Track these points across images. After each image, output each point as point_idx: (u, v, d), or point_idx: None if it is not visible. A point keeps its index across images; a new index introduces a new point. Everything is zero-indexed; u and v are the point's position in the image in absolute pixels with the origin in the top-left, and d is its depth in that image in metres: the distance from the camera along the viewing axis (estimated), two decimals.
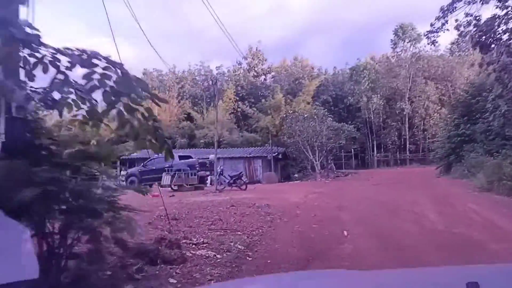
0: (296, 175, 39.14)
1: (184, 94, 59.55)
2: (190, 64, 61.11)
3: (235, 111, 52.09)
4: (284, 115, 33.13)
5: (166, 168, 22.50)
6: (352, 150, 48.80)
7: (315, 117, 31.56)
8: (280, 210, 11.90)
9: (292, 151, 33.80)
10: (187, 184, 20.03)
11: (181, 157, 27.56)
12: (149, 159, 27.06)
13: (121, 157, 36.23)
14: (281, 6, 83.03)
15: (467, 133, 24.76)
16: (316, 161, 31.40)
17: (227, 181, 19.97)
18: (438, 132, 47.54)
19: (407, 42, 48.55)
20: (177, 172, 19.75)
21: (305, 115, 31.95)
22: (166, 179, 19.65)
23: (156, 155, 31.99)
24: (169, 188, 20.40)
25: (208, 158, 30.21)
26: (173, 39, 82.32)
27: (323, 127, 31.65)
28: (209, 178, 27.22)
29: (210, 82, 62.58)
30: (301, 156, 33.50)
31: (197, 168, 24.07)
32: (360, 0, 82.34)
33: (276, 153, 33.23)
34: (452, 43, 48.66)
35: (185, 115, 54.52)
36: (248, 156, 31.33)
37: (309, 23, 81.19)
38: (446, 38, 71.57)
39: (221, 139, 46.04)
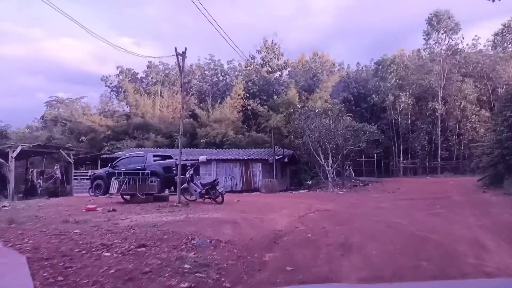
0: (309, 182, 33.65)
1: (191, 89, 54.88)
2: (200, 58, 56.16)
3: (243, 108, 46.88)
4: (292, 110, 27.63)
5: (137, 170, 17.44)
6: (375, 155, 42.80)
7: (330, 113, 25.91)
8: (230, 256, 6.49)
9: (302, 154, 28.24)
10: (142, 193, 14.83)
11: (163, 157, 22.51)
12: (118, 159, 22.11)
13: (101, 156, 31.59)
14: (307, 8, 78.38)
15: None
16: (328, 166, 25.74)
17: (198, 191, 14.66)
18: (475, 136, 41.11)
19: (442, 33, 42.16)
20: (128, 177, 14.59)
21: (317, 110, 26.30)
22: (113, 186, 14.54)
23: (128, 153, 27.10)
24: (123, 198, 15.28)
25: (198, 160, 25.02)
26: (191, 37, 78.44)
27: (338, 126, 25.98)
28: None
29: (220, 77, 58.44)
30: (311, 160, 27.92)
31: (174, 172, 18.88)
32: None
33: (281, 156, 27.75)
34: (496, 34, 42.35)
35: (190, 112, 49.68)
36: (245, 158, 25.98)
37: (334, 24, 75.81)
38: (486, 31, 64.53)
39: (224, 139, 41.04)
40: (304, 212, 12.62)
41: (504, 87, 41.35)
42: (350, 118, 35.15)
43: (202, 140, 40.54)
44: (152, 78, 57.48)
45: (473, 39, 45.01)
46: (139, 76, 59.34)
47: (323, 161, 25.76)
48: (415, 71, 45.41)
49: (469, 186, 26.40)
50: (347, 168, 36.00)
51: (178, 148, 37.10)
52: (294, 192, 24.65)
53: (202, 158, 25.02)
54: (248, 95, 47.44)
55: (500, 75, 41.34)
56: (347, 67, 55.87)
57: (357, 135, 32.60)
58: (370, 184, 30.13)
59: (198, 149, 36.35)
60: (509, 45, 40.70)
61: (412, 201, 16.80)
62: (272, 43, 56.19)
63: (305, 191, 24.53)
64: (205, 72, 59.26)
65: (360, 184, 30.83)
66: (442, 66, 42.68)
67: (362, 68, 56.46)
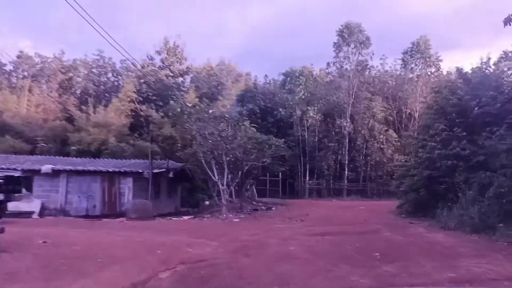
0: (207, 203, 27.75)
1: (72, 87, 46.02)
2: (87, 53, 47.43)
3: (134, 113, 39.63)
4: (179, 110, 21.69)
5: None
6: (280, 173, 38.46)
7: (227, 117, 20.39)
8: None
9: (193, 168, 22.29)
10: None
11: None
12: None
13: None
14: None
15: (467, 154, 15.13)
16: (223, 184, 20.14)
17: None
18: (382, 158, 39.08)
19: (353, 48, 39.94)
20: None
21: (211, 111, 20.64)
22: None
23: None
24: None
25: (40, 170, 17.62)
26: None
27: (238, 133, 20.63)
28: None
29: (112, 77, 50.43)
30: (205, 175, 22.10)
31: None
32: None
33: (164, 170, 21.47)
34: (405, 53, 41.47)
35: (67, 113, 40.78)
36: (109, 171, 19.15)
37: (249, 43, 72.56)
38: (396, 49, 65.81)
39: (102, 147, 33.45)
40: (151, 273, 6.61)
41: (410, 110, 40.43)
42: (254, 130, 30.28)
43: (73, 148, 32.43)
44: (22, 71, 47.13)
45: (381, 58, 43.82)
46: (7, 68, 48.36)
47: (216, 178, 20.07)
48: (324, 86, 42.65)
49: (385, 213, 22.77)
50: (248, 187, 30.84)
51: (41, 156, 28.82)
52: (174, 218, 18.45)
53: (46, 168, 17.68)
54: (141, 99, 40.46)
55: (407, 96, 40.15)
56: (255, 78, 51.79)
57: (261, 148, 27.68)
58: (274, 208, 25.18)
59: (69, 157, 28.32)
60: (416, 66, 39.78)
61: (331, 237, 11.75)
62: (174, 45, 50.08)
63: (190, 217, 18.46)
64: (93, 70, 50.39)
65: (263, 207, 25.73)
66: (351, 82, 40.36)
67: (270, 81, 52.82)
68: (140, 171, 19.49)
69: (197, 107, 20.80)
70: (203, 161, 19.90)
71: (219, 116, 19.75)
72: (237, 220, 17.57)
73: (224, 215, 18.96)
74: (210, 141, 19.78)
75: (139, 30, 70.02)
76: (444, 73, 40.90)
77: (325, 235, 12.18)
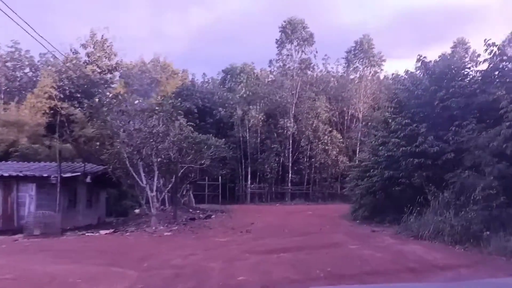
0: (137, 211, 24.11)
1: None
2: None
3: (53, 112, 34.74)
4: (98, 99, 18.03)
5: None
6: (220, 177, 35.52)
7: (157, 110, 17.00)
8: None
9: (117, 171, 18.64)
10: None
11: None
12: None
13: None
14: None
15: (435, 152, 13.25)
16: (152, 190, 16.81)
17: None
18: (327, 160, 37.52)
19: (296, 45, 38.17)
20: None
21: (136, 102, 17.18)
22: None
23: None
24: None
25: None
26: None
27: (171, 129, 17.40)
28: None
29: (29, 72, 44.54)
30: (129, 180, 18.56)
31: None
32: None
33: (80, 174, 17.67)
34: (348, 51, 40.47)
35: None
36: (5, 176, 15.01)
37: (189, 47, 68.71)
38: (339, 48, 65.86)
39: (11, 149, 28.52)
40: None
41: (353, 111, 39.46)
42: (191, 128, 27.11)
43: None
44: None
45: (323, 58, 42.51)
46: None
47: (144, 183, 16.69)
48: (267, 84, 40.50)
49: (337, 218, 20.76)
50: (184, 192, 27.59)
51: None
52: (89, 233, 14.78)
53: None
54: (62, 96, 35.54)
55: (351, 96, 39.10)
56: (192, 76, 48.39)
57: (199, 149, 24.66)
58: (213, 216, 22.17)
59: None
60: (360, 66, 38.90)
61: (290, 255, 9.07)
62: (102, 38, 45.25)
63: (109, 231, 14.88)
64: (7, 64, 44.05)
65: (201, 215, 22.60)
66: (295, 81, 38.57)
67: (209, 80, 49.73)
68: (45, 175, 15.54)
69: (120, 97, 17.28)
70: (127, 162, 16.42)
71: (148, 109, 16.43)
72: (169, 233, 14.37)
73: (153, 228, 15.67)
74: (136, 138, 16.39)
75: (68, 30, 63.68)
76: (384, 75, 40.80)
77: (281, 252, 9.48)
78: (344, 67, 40.62)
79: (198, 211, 24.70)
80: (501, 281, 2.90)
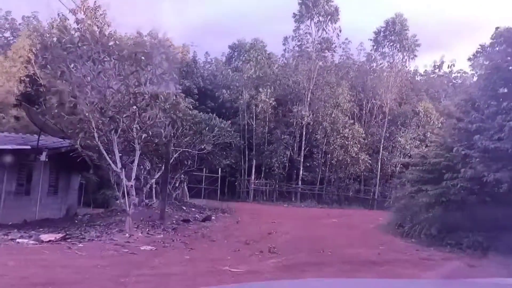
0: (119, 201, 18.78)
1: None
2: None
3: (30, 79, 29.64)
4: (56, 36, 12.53)
5: None
6: (220, 169, 30.18)
7: (142, 60, 11.31)
8: None
9: (84, 148, 13.12)
10: None
11: None
12: None
13: None
14: None
15: None
16: (130, 180, 11.39)
17: None
18: (346, 157, 32.17)
19: (317, 21, 32.74)
20: None
21: (111, 44, 11.52)
22: None
23: None
24: None
25: None
26: None
27: (161, 98, 11.91)
28: None
29: (10, 37, 39.10)
30: (102, 162, 13.09)
31: None
32: None
33: (30, 148, 12.23)
34: (377, 33, 35.02)
35: None
36: None
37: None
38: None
39: None
40: None
41: (378, 102, 34.18)
42: (192, 101, 21.75)
43: None
44: None
45: (343, 42, 37.04)
46: None
47: (119, 166, 11.26)
48: (281, 67, 35.17)
49: (378, 232, 15.57)
50: (177, 184, 22.21)
51: None
52: (23, 240, 9.28)
53: None
54: (44, 63, 29.94)
55: (375, 86, 33.77)
56: (194, 54, 42.79)
57: (199, 131, 19.31)
58: (213, 217, 16.76)
59: None
60: (390, 50, 33.47)
61: None
62: (95, 4, 39.58)
63: (55, 238, 9.39)
64: None
65: (197, 215, 17.18)
66: (313, 63, 33.18)
67: (212, 61, 44.17)
68: None
69: (88, 32, 11.82)
70: (96, 136, 10.98)
71: (128, 57, 10.99)
72: (148, 248, 8.96)
73: (127, 234, 10.28)
74: (111, 98, 10.97)
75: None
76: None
77: None
78: (369, 52, 35.20)
79: (193, 209, 19.33)
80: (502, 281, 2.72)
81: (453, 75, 40.90)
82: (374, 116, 34.82)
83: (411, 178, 13.62)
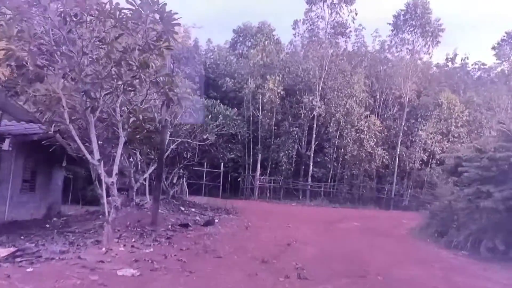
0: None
1: None
2: None
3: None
4: None
5: None
6: (222, 164, 27.54)
7: (129, 16, 8.72)
8: None
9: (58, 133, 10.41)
10: None
11: None
12: None
13: None
14: None
15: None
16: (111, 175, 8.69)
17: None
18: (361, 152, 29.42)
19: (330, 3, 29.91)
20: None
21: None
22: None
23: None
24: None
25: None
26: None
27: (154, 65, 9.19)
28: None
29: None
30: (80, 152, 10.36)
31: None
32: None
33: None
34: (397, 16, 32.10)
35: None
36: None
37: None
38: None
39: None
40: None
41: (390, 94, 31.45)
42: (191, 90, 18.97)
43: None
44: None
45: (356, 29, 34.22)
46: None
47: (95, 157, 8.56)
48: (290, 54, 32.38)
49: (417, 241, 12.97)
50: (175, 180, 19.49)
51: None
52: None
53: None
54: None
55: (394, 75, 31.00)
56: (195, 40, 39.98)
57: (199, 118, 16.60)
58: (217, 220, 14.07)
59: None
60: (410, 35, 30.64)
61: None
62: None
63: (4, 255, 6.74)
64: None
65: (198, 217, 14.46)
66: (325, 50, 30.42)
67: (214, 48, 41.37)
68: None
69: None
70: (65, 115, 8.29)
71: (111, 13, 8.22)
72: (129, 273, 6.26)
73: (103, 248, 7.60)
74: (86, 67, 8.26)
75: None
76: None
77: None
78: (384, 39, 32.39)
79: (193, 209, 16.61)
80: None
81: (470, 67, 38.22)
82: (389, 108, 32.06)
83: (469, 177, 10.81)
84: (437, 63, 38.96)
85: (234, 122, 19.38)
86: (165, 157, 14.12)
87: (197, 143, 16.30)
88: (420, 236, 14.29)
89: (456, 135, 29.62)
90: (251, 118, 31.25)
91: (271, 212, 19.42)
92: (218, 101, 19.68)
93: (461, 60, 37.05)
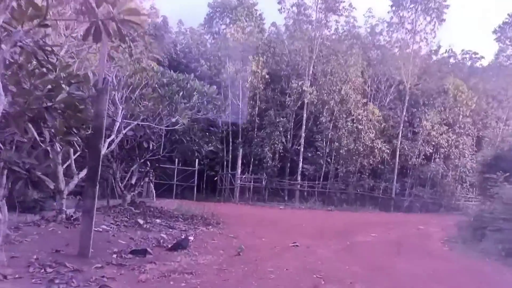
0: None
1: None
2: None
3: None
4: None
5: None
6: (197, 160, 23.02)
7: None
8: None
9: None
10: None
11: None
12: None
13: None
14: None
15: None
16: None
17: None
18: (359, 145, 25.49)
19: None
20: None
21: None
22: None
23: None
24: None
25: None
26: None
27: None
28: None
29: None
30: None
31: None
32: None
33: None
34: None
35: None
36: None
37: None
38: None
39: None
40: None
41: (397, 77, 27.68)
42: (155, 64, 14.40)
43: None
44: None
45: (347, 9, 30.14)
46: None
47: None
48: (274, 31, 28.10)
49: (456, 259, 9.04)
50: (134, 181, 14.74)
51: None
52: None
53: None
54: None
55: (392, 59, 27.24)
56: (163, 20, 35.01)
57: (169, 95, 12.10)
58: (191, 238, 9.59)
59: None
60: (410, 14, 26.90)
61: None
62: None
63: None
64: None
65: (162, 236, 9.90)
66: (316, 28, 26.31)
67: (186, 31, 36.54)
68: None
69: None
70: None
71: None
72: None
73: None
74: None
75: None
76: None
77: None
78: (379, 17, 28.58)
79: (158, 220, 11.98)
80: None
81: (460, 56, 34.88)
82: (387, 96, 28.29)
83: None
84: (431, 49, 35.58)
85: (214, 103, 14.87)
86: (112, 146, 9.53)
87: (164, 127, 11.72)
88: (463, 251, 10.52)
89: (462, 126, 26.23)
90: (230, 108, 26.77)
91: (262, 221, 15.05)
92: (192, 75, 15.12)
93: (445, 51, 33.59)
